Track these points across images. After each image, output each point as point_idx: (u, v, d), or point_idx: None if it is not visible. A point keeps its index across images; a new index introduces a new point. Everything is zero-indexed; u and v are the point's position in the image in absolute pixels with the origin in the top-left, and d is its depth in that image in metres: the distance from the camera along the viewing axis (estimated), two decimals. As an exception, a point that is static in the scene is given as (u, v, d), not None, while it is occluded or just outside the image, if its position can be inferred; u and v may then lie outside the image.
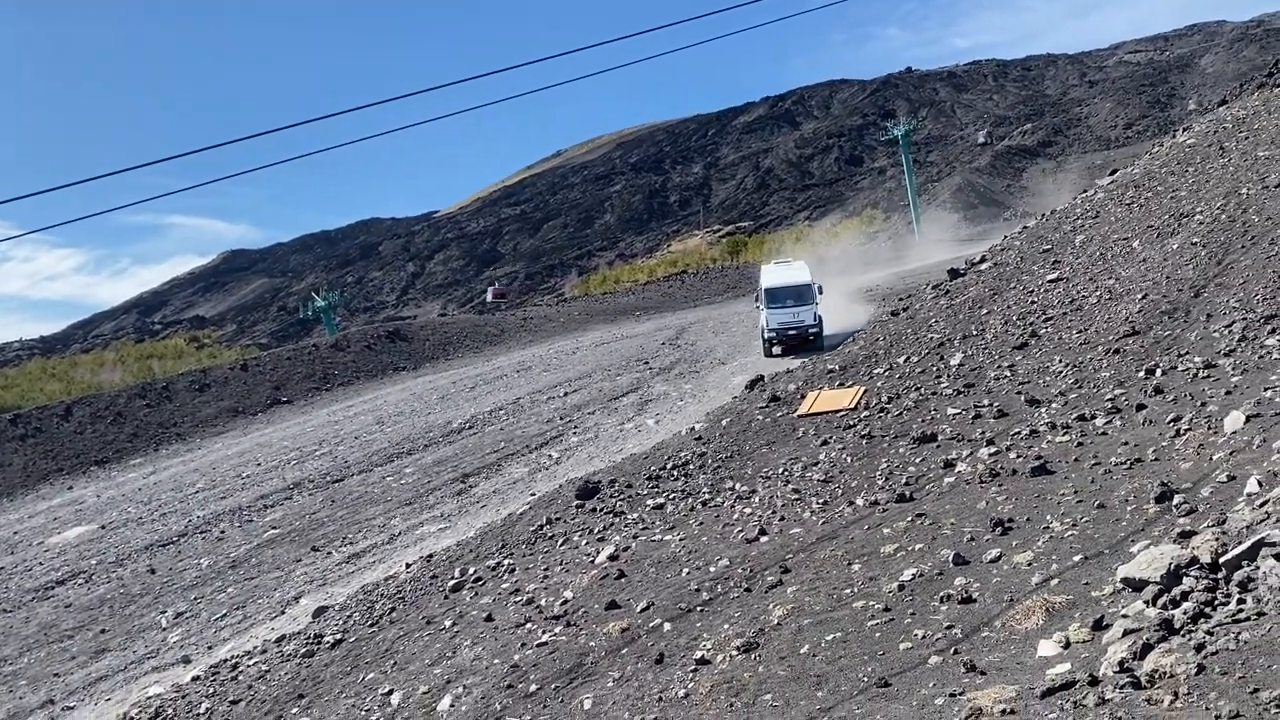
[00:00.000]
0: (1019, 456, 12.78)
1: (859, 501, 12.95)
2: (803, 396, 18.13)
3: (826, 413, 17.04)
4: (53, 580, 26.67)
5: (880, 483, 13.41)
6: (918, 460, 13.82)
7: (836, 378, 18.54)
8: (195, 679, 14.93)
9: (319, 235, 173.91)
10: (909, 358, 18.17)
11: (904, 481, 13.11)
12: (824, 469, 14.67)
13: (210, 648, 19.32)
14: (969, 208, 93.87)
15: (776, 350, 34.57)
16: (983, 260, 22.70)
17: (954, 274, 22.63)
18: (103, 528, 31.51)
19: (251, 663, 14.30)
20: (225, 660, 15.53)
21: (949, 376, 16.78)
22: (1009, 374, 16.10)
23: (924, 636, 8.78)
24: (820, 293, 37.24)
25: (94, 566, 27.09)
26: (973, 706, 6.98)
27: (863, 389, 17.41)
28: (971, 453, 13.43)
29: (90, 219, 62.13)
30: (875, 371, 18.16)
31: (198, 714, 12.98)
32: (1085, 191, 25.40)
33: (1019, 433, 13.64)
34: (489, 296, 71.45)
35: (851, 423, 16.20)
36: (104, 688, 18.88)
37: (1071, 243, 20.54)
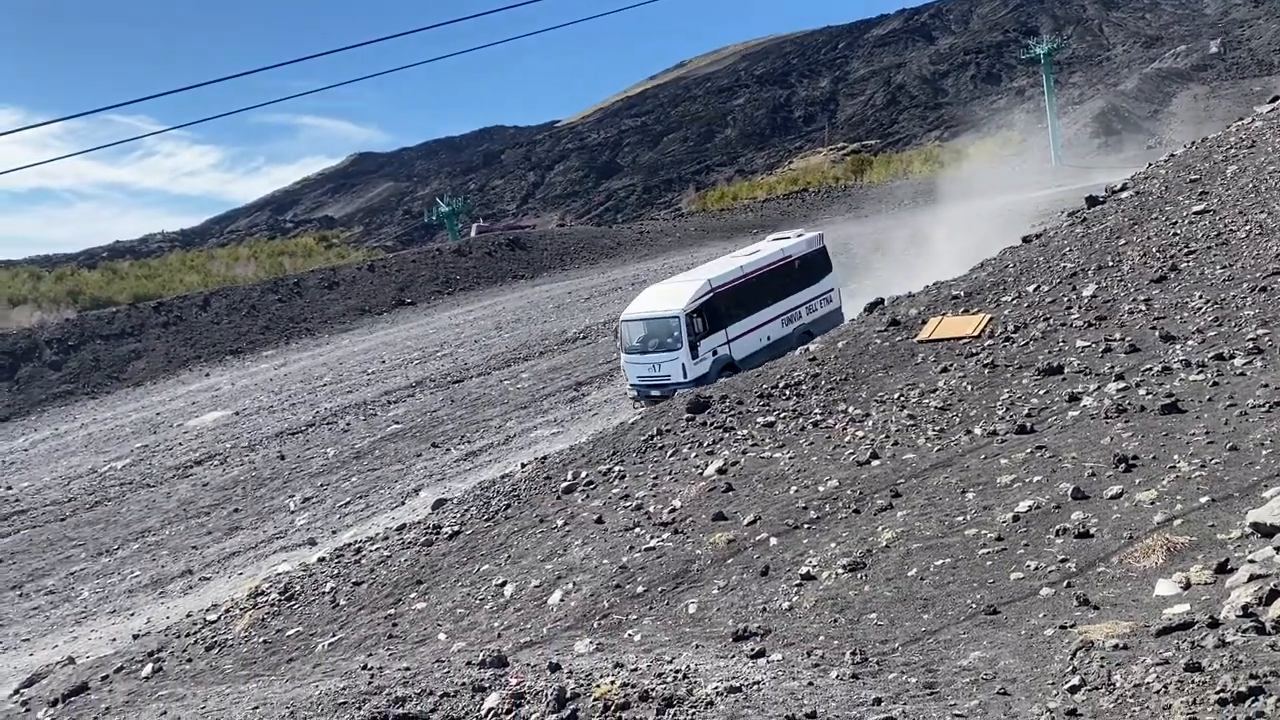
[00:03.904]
0: (1149, 393, 12.35)
1: (977, 431, 12.75)
2: (924, 322, 17.77)
3: (948, 339, 16.69)
4: (191, 460, 28.43)
5: (1000, 413, 13.16)
6: (1041, 392, 13.48)
7: (961, 304, 18.09)
8: (321, 560, 15.79)
9: (444, 141, 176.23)
10: (1039, 286, 17.59)
11: (1025, 413, 12.84)
12: (942, 396, 14.45)
13: (334, 532, 20.43)
14: (1111, 133, 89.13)
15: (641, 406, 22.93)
16: (1124, 188, 21.64)
17: (1092, 201, 21.66)
18: (237, 414, 33.29)
19: (373, 548, 15.04)
20: (349, 544, 16.37)
21: (1080, 308, 16.20)
22: (1144, 308, 15.45)
23: (1036, 568, 8.70)
24: (829, 271, 27.32)
25: (228, 450, 28.73)
26: (1084, 639, 6.92)
27: (988, 317, 16.97)
28: (1099, 387, 13.04)
29: (228, 117, 64.18)
30: (1003, 299, 17.65)
31: (323, 592, 13.77)
32: (1241, 119, 23.84)
33: (1151, 369, 13.15)
34: (473, 232, 71.33)
35: (974, 350, 15.85)
36: (237, 562, 20.21)
37: (1222, 173, 19.39)
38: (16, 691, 13.84)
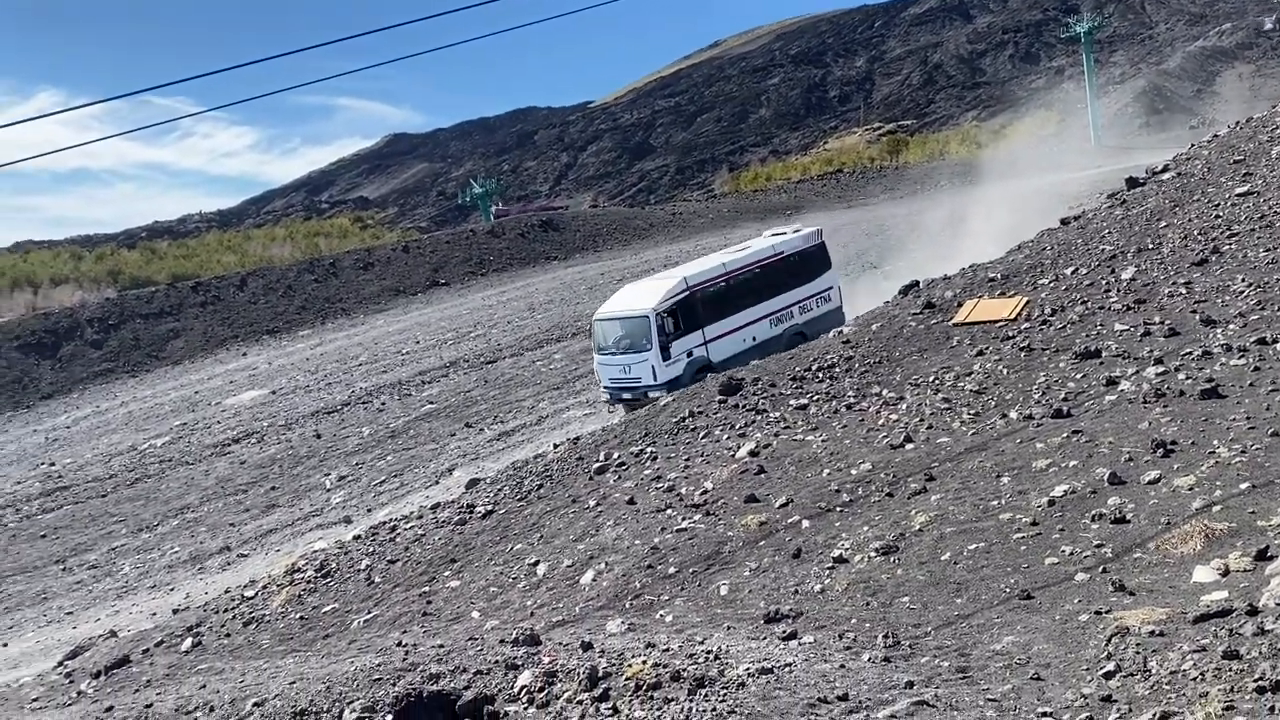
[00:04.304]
0: (1188, 378, 12.18)
1: (1012, 415, 12.65)
2: (960, 304, 17.61)
3: (984, 322, 16.53)
4: (229, 438, 28.84)
5: (1037, 397, 13.04)
6: (1079, 376, 13.34)
7: (998, 286, 17.91)
8: (356, 537, 15.98)
9: (477, 122, 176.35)
10: (1077, 269, 17.37)
11: (1062, 397, 12.71)
12: (977, 379, 14.34)
13: (369, 510, 20.67)
14: (1153, 113, 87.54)
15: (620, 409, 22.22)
16: (1165, 169, 21.28)
17: (1132, 183, 21.33)
18: (273, 393, 33.70)
19: (408, 526, 15.20)
20: (384, 522, 16.55)
21: (1119, 291, 15.98)
22: (1184, 291, 15.22)
23: (1072, 553, 8.63)
24: (827, 268, 25.81)
25: (265, 428, 29.11)
26: (1119, 625, 6.87)
27: (1025, 299, 16.79)
28: (1137, 371, 12.88)
29: (264, 99, 64.88)
30: (1040, 282, 17.44)
31: (359, 569, 13.94)
32: (1290, 98, 23.36)
33: (1190, 353, 12.97)
34: (493, 214, 71.40)
35: (1010, 334, 15.70)
36: (274, 539, 20.50)
37: (1267, 154, 19.02)
38: (60, 663, 14.16)
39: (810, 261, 25.48)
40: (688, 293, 22.66)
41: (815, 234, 26.02)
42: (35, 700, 12.47)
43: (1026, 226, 23.26)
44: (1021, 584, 8.33)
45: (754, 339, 23.46)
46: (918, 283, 20.71)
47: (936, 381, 14.75)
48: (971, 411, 13.21)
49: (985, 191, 43.07)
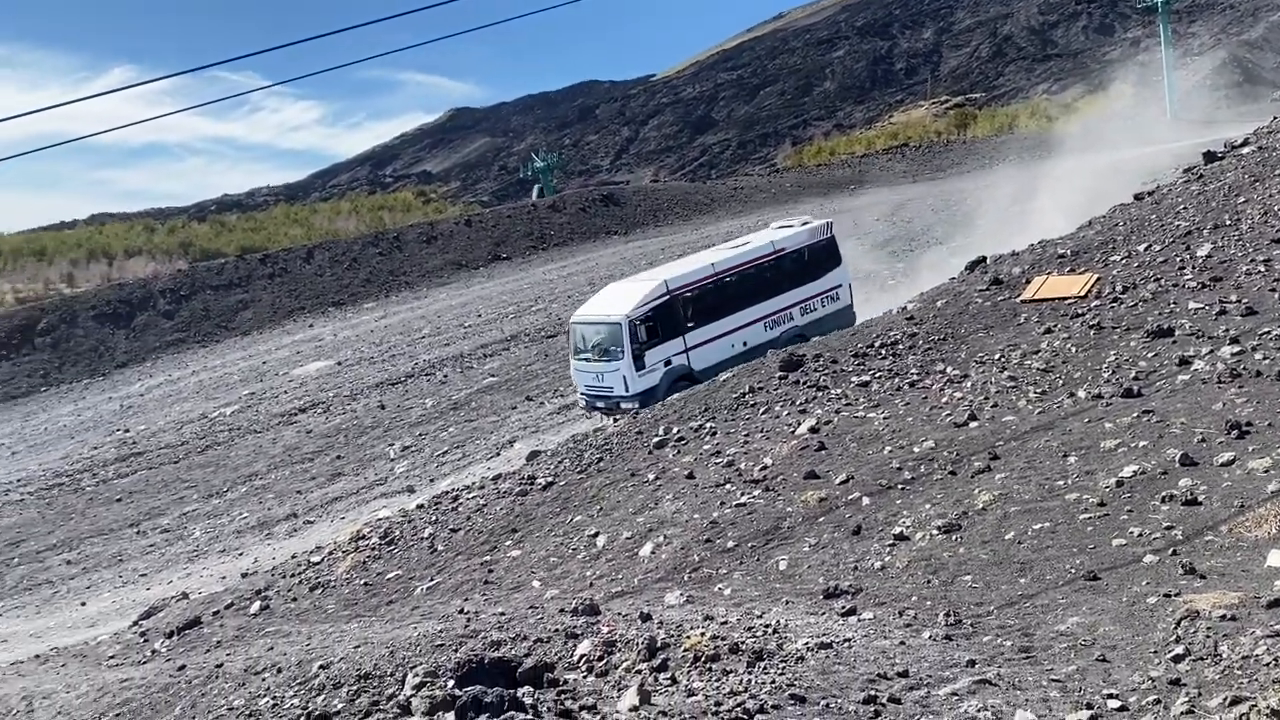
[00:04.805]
0: (1265, 358, 11.83)
1: (1080, 394, 12.40)
2: (1028, 281, 17.27)
3: (1053, 299, 16.20)
4: (295, 408, 29.43)
5: (1106, 376, 12.76)
6: (1150, 355, 13.02)
7: (1067, 263, 17.52)
8: (419, 506, 16.25)
9: (539, 96, 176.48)
10: (1150, 246, 16.91)
11: (1133, 376, 12.42)
12: (1045, 357, 14.07)
13: (432, 480, 20.98)
14: (1232, 86, 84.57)
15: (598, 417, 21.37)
16: (1245, 144, 20.60)
17: (1210, 157, 20.68)
18: (339, 364, 34.28)
19: (470, 496, 15.40)
20: (446, 492, 16.80)
21: (1194, 268, 15.54)
22: (1263, 269, 14.75)
23: (1140, 535, 8.46)
24: (835, 263, 23.96)
25: (331, 398, 29.65)
26: (1189, 609, 6.73)
27: (1095, 276, 16.40)
28: (1212, 350, 12.53)
29: (330, 73, 65.46)
30: (1111, 259, 17.02)
31: (421, 538, 14.18)
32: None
33: (1269, 332, 12.57)
34: (535, 194, 71.12)
35: (1080, 311, 15.35)
36: (339, 507, 20.93)
37: (1357, 127, 18.33)
38: (135, 623, 14.64)
39: (816, 258, 23.71)
40: (667, 297, 21.14)
41: (823, 227, 24.25)
42: (112, 658, 12.91)
43: (1098, 202, 22.70)
44: (1087, 565, 8.19)
45: (745, 344, 21.82)
46: (985, 258, 20.34)
47: (1002, 359, 14.51)
48: (1038, 390, 12.98)
49: (1055, 166, 42.08)
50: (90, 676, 11.84)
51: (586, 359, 21.34)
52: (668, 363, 20.95)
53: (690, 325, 21.34)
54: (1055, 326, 15.10)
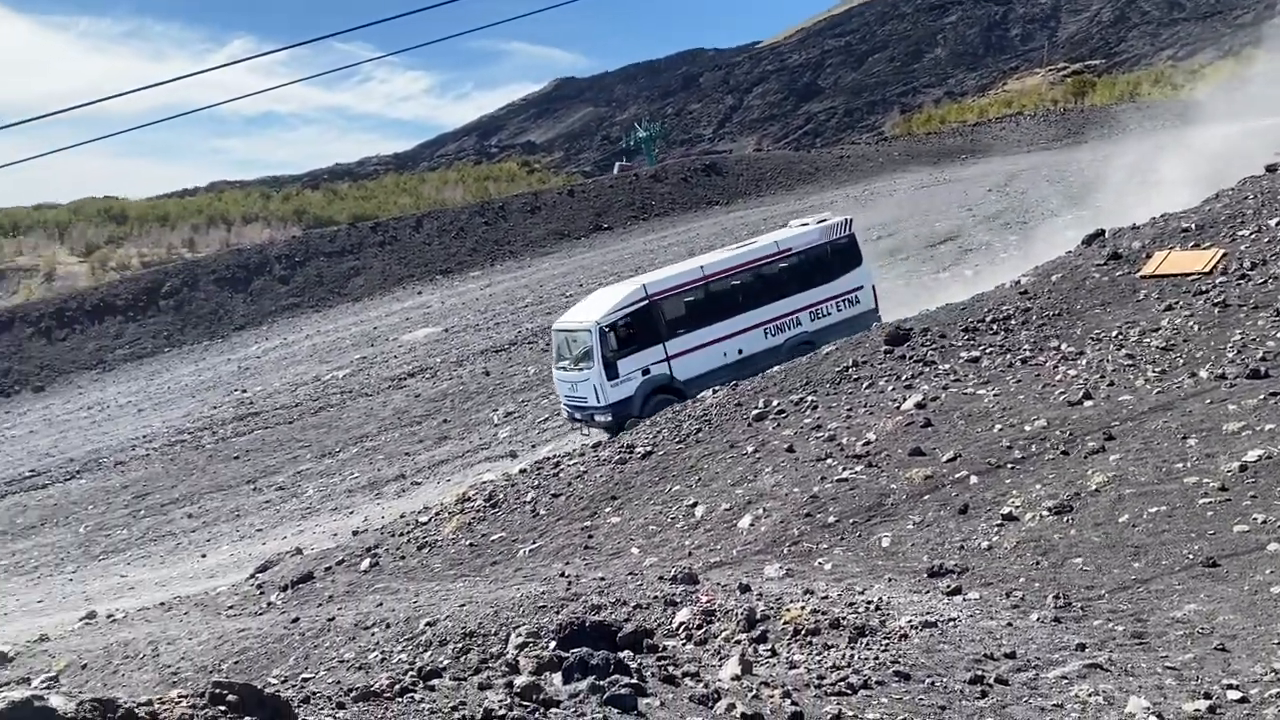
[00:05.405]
0: None
1: (1202, 374, 11.90)
2: (1149, 256, 16.59)
3: (1175, 275, 15.53)
4: (404, 372, 30.18)
5: (1230, 355, 12.21)
6: (1279, 335, 12.41)
7: (1191, 238, 16.77)
8: (522, 471, 16.55)
9: (643, 65, 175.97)
10: (1282, 220, 16.08)
11: (1260, 356, 11.86)
12: (1165, 335, 13.53)
13: (534, 446, 21.33)
14: (1381, 49, 79.45)
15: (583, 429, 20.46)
16: (1394, 111, 19.37)
17: (1353, 126, 19.52)
18: (445, 330, 35.00)
19: (571, 463, 15.62)
20: (548, 458, 17.07)
21: (1331, 244, 14.73)
22: None
23: (1264, 521, 8.12)
24: (856, 263, 21.99)
25: (438, 364, 30.31)
26: (1318, 600, 6.44)
27: (1221, 252, 15.66)
28: (1349, 332, 11.89)
29: (439, 44, 66.26)
30: (1239, 234, 16.22)
31: (524, 501, 14.45)
32: None
33: None
34: (615, 170, 70.44)
35: (1204, 288, 14.70)
36: (445, 469, 21.45)
37: None
38: (252, 576, 15.30)
39: (832, 258, 21.81)
40: (645, 303, 19.75)
41: (841, 225, 22.14)
42: (231, 608, 13.53)
43: (1226, 174, 21.60)
44: (1206, 551, 7.91)
45: (740, 352, 20.43)
46: (1103, 232, 19.59)
47: (1120, 336, 14.00)
48: (1157, 369, 12.50)
49: (1180, 136, 40.20)
50: (210, 625, 12.45)
51: (564, 367, 20.32)
52: (646, 372, 19.64)
53: (673, 332, 20.03)
54: (1177, 303, 14.50)
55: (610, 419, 19.12)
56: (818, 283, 21.45)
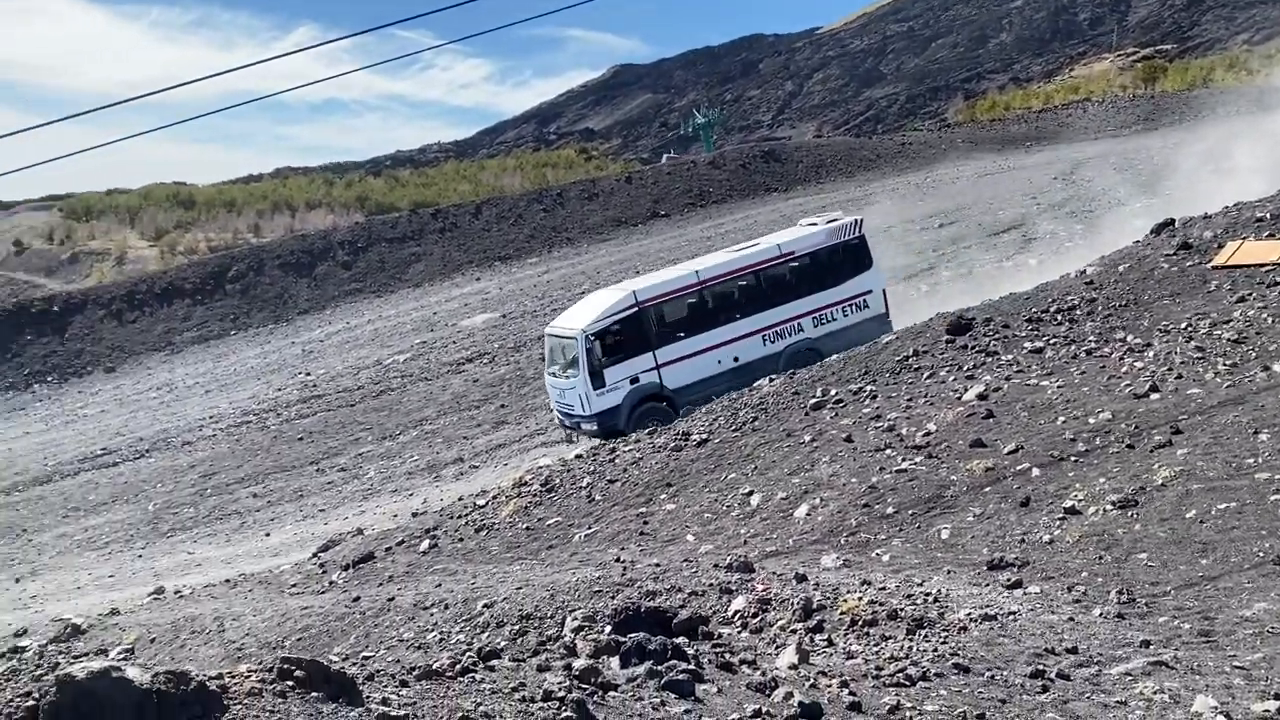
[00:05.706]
0: None
1: (1276, 368, 11.60)
2: (1220, 246, 16.17)
3: (1248, 266, 15.12)
4: (463, 358, 30.50)
5: (1306, 349, 11.88)
6: (1359, 328, 12.05)
7: (1266, 227, 16.31)
8: (578, 457, 16.66)
9: (703, 51, 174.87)
10: (1364, 210, 15.59)
11: (1337, 350, 11.53)
12: (1236, 328, 13.19)
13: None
14: None
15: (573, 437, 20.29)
16: None
17: None
18: (504, 316, 35.28)
19: (626, 449, 15.68)
20: (604, 444, 17.14)
21: None
22: None
23: (1341, 521, 7.90)
24: (868, 266, 21.20)
25: (496, 349, 30.58)
26: (1395, 602, 6.26)
27: (1297, 242, 15.24)
28: None
29: (498, 31, 66.63)
30: (1316, 223, 15.78)
31: (580, 486, 14.56)
32: None
33: None
34: (663, 160, 70.63)
35: (1278, 279, 14.31)
36: (502, 454, 21.66)
37: None
38: (314, 555, 15.62)
39: (839, 261, 21.08)
40: (634, 309, 19.31)
41: (850, 226, 21.37)
42: (294, 586, 13.82)
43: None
44: (1278, 549, 7.71)
45: (736, 360, 19.86)
46: (1173, 221, 19.13)
47: (1189, 328, 13.68)
48: (1228, 362, 12.20)
49: (1255, 123, 39.06)
50: (274, 602, 12.72)
51: (554, 373, 19.99)
52: (634, 381, 19.19)
53: (664, 340, 19.55)
54: (1250, 295, 14.12)
55: (596, 428, 18.87)
56: (823, 286, 20.85)
